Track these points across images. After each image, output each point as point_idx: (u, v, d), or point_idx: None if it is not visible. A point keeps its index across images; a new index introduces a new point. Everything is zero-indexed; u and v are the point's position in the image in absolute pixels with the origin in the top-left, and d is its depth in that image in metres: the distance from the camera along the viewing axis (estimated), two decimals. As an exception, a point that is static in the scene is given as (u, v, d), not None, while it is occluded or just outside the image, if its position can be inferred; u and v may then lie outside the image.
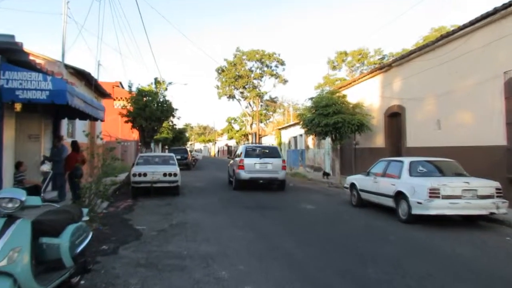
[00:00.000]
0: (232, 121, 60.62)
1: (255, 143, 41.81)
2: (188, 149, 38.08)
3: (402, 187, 7.82)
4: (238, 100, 51.76)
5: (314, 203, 10.55)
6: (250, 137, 49.26)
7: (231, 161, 14.60)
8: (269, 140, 39.00)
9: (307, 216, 8.48)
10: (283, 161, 12.84)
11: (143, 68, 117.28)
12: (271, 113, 54.03)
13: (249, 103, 51.23)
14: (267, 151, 13.15)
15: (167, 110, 15.78)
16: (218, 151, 77.04)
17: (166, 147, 37.49)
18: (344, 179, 13.41)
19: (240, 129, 56.38)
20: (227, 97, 49.11)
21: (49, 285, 3.44)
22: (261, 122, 54.15)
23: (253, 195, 12.31)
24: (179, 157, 23.15)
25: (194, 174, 21.76)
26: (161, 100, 15.89)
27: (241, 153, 13.14)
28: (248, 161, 12.49)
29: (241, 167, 12.55)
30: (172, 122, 31.17)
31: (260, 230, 6.91)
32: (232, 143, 66.20)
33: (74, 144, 9.05)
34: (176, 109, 16.92)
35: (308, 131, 16.05)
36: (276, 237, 6.45)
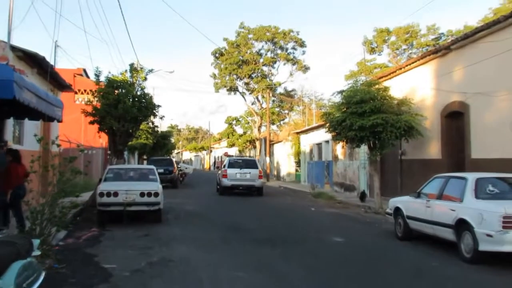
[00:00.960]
0: (234, 122, 60.89)
1: (265, 151, 42.20)
2: (174, 159, 38.40)
3: (465, 213, 7.61)
4: (242, 94, 52.03)
5: (344, 235, 10.57)
6: (257, 143, 49.44)
7: (219, 171, 24.21)
8: (283, 149, 39.15)
9: (334, 253, 8.35)
10: (260, 171, 22.58)
11: (116, 51, 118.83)
12: (286, 111, 54.22)
13: (257, 98, 51.48)
14: (247, 163, 22.99)
15: (146, 107, 15.94)
16: (215, 162, 77.40)
17: (145, 157, 37.79)
18: (386, 202, 13.37)
19: (245, 133, 56.58)
20: (227, 90, 49.32)
21: None
22: (273, 123, 54.19)
23: (264, 221, 12.48)
24: (161, 170, 23.40)
25: (183, 194, 21.84)
26: (138, 93, 16.13)
27: (225, 164, 23.01)
28: (230, 171, 22.02)
29: (225, 175, 21.99)
30: (153, 123, 31.72)
31: (273, 272, 6.76)
32: (233, 151, 67.46)
33: (14, 153, 8.87)
34: (159, 106, 17.12)
35: (336, 136, 16.18)
36: (294, 283, 6.24)
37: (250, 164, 23.02)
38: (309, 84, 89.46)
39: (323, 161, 28.01)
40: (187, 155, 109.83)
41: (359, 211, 15.98)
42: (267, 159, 39.16)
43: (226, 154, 66.49)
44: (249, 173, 22.20)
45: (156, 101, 19.19)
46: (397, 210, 10.30)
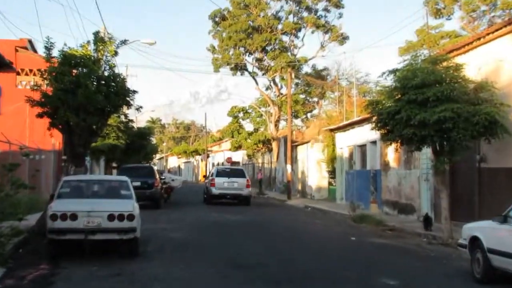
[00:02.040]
0: (241, 114, 61.14)
1: (285, 157, 42.30)
2: (156, 168, 38.32)
3: None
4: (253, 75, 52.38)
5: (399, 276, 10.56)
6: (274, 145, 50.00)
7: (206, 180, 32.56)
8: (311, 154, 39.22)
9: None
10: (247, 180, 30.94)
11: (75, 16, 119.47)
12: (315, 99, 54.33)
13: (273, 81, 51.86)
14: (235, 172, 31.75)
15: (117, 94, 16.05)
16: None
17: (115, 164, 38.01)
18: (458, 229, 13.41)
19: (256, 130, 56.74)
20: (231, 69, 49.81)
21: None
22: (296, 116, 54.31)
23: (281, 254, 12.49)
24: (138, 183, 23.88)
25: (168, 217, 22.07)
26: (106, 74, 16.27)
27: (213, 173, 31.83)
28: (218, 180, 30.39)
29: (213, 184, 30.33)
30: (126, 116, 31.89)
31: None
32: (239, 156, 66.77)
33: None
34: (134, 92, 17.25)
35: (387, 135, 16.29)
36: None
37: (238, 173, 31.80)
38: (348, 61, 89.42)
39: (368, 171, 27.99)
40: (174, 161, 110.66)
41: (419, 241, 15.97)
42: (288, 167, 39.19)
43: (229, 161, 66.80)
44: (237, 182, 30.64)
45: (130, 85, 19.33)
46: (475, 240, 10.33)
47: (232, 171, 32.20)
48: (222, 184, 30.24)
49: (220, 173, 31.17)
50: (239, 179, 30.71)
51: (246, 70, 50.00)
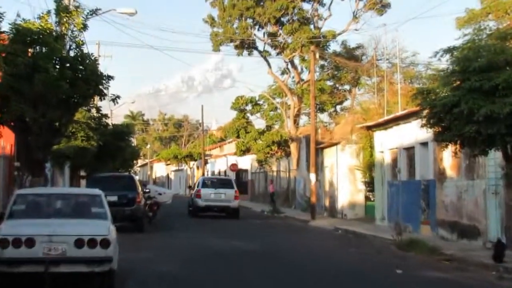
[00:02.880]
0: (248, 107, 61.03)
1: (307, 163, 42.32)
2: (138, 178, 38.24)
3: None
4: (264, 55, 52.27)
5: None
6: (292, 147, 50.13)
7: (192, 191, 39.43)
8: (341, 159, 39.17)
9: None
10: (236, 191, 37.43)
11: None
12: (346, 87, 54.07)
13: (291, 63, 51.62)
14: (222, 182, 39.26)
15: (87, 81, 16.14)
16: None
17: (84, 172, 38.05)
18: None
19: (269, 127, 56.56)
20: (236, 47, 50.16)
21: None
22: (322, 109, 53.97)
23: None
24: (114, 198, 24.45)
25: (153, 242, 22.22)
26: (71, 54, 16.41)
27: (198, 184, 38.48)
28: (204, 191, 36.68)
29: (199, 196, 36.50)
30: (98, 110, 31.95)
31: None
32: (246, 163, 68.68)
33: None
34: (109, 78, 17.36)
35: (443, 134, 16.42)
36: None
37: (226, 183, 38.28)
38: (389, 37, 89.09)
39: (417, 182, 27.99)
40: (161, 169, 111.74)
41: (487, 276, 15.94)
42: (312, 177, 39.14)
43: (234, 168, 66.82)
44: (224, 193, 36.68)
45: (104, 68, 19.34)
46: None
47: (219, 181, 39.71)
48: (209, 196, 36.42)
49: (206, 184, 37.68)
50: (227, 190, 36.92)
51: (256, 48, 49.97)
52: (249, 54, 50.48)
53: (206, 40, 53.40)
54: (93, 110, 29.85)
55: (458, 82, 15.50)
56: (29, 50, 15.93)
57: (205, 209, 36.10)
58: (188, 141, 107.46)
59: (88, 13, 17.38)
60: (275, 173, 57.51)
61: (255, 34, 48.72)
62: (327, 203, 42.53)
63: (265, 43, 49.21)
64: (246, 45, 49.00)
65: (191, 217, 35.94)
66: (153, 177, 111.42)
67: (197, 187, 37.53)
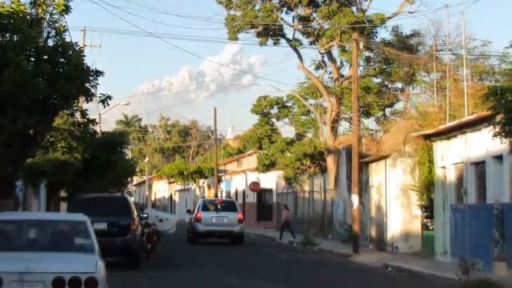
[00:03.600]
0: (273, 110, 60.84)
1: (349, 181, 42.21)
2: (132, 199, 38.16)
3: None
4: (294, 45, 52.56)
5: None
6: (329, 161, 50.37)
7: (191, 215, 44.20)
8: (391, 176, 38.96)
9: None
10: (240, 214, 42.31)
11: None
12: (398, 85, 53.76)
13: (328, 54, 51.94)
14: (224, 204, 43.99)
15: (69, 77, 16.12)
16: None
17: (65, 193, 38.02)
18: None
19: (300, 136, 56.34)
20: (259, 35, 50.74)
21: None
22: (368, 114, 53.52)
23: None
24: (104, 225, 24.93)
25: (153, 282, 22.26)
26: (50, 44, 16.68)
27: (198, 206, 43.06)
28: (205, 215, 41.18)
29: (198, 220, 41.16)
30: (84, 114, 31.95)
31: None
32: (270, 181, 69.35)
33: None
34: (98, 74, 17.44)
35: None
36: None
37: (228, 206, 41.98)
38: (453, 22, 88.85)
39: (489, 206, 27.80)
40: (163, 189, 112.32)
41: None
42: (354, 199, 39.02)
43: (255, 188, 66.79)
44: (227, 217, 40.39)
45: (91, 62, 19.36)
46: None
47: (221, 203, 43.42)
48: (210, 220, 40.46)
49: (207, 206, 41.92)
50: (230, 213, 40.95)
51: (283, 36, 50.05)
52: (274, 44, 50.51)
53: (220, 25, 52.87)
54: (77, 114, 29.83)
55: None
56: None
57: (205, 234, 40.37)
58: (197, 153, 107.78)
59: (71, -7, 17.39)
60: (307, 194, 57.45)
61: (282, 19, 48.95)
62: (373, 232, 42.35)
63: (295, 30, 49.32)
64: (271, 32, 49.04)
65: (192, 244, 39.23)
66: (153, 198, 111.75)
67: (197, 210, 41.28)
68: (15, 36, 15.90)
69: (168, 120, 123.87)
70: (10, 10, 16.05)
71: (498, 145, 22.05)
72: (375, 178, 42.10)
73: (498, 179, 27.00)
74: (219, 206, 41.43)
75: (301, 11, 48.13)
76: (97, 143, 35.18)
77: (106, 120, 70.92)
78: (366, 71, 51.00)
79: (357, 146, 40.08)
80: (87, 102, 18.19)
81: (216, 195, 72.63)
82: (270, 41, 50.04)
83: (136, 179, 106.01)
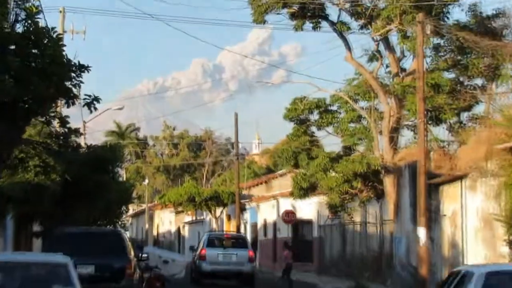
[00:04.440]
0: (313, 115, 60.80)
1: (414, 209, 41.98)
2: (127, 234, 38.18)
3: None
4: (339, 28, 51.87)
5: None
6: (387, 182, 49.62)
7: (195, 253, 49.61)
8: (469, 201, 38.76)
9: None
10: (250, 252, 46.68)
11: None
12: (477, 82, 53.45)
13: (384, 42, 51.91)
14: (233, 240, 48.78)
15: (45, 72, 16.20)
16: (255, 242, 77.69)
17: (38, 225, 38.09)
18: None
19: (348, 150, 56.16)
20: (292, 16, 50.75)
21: None
22: (438, 120, 53.04)
23: None
24: (90, 268, 25.12)
25: None
26: (19, 29, 16.94)
27: (203, 242, 47.88)
28: (210, 252, 45.56)
29: (203, 257, 45.44)
30: (63, 122, 32.20)
31: None
32: (309, 210, 69.33)
33: None
34: (83, 70, 17.55)
35: None
36: None
37: (237, 242, 45.56)
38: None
39: None
40: (168, 220, 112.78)
41: None
42: (421, 233, 38.96)
43: (288, 219, 66.81)
44: (236, 254, 43.60)
45: (73, 53, 19.41)
46: None
47: (229, 239, 46.58)
48: (216, 257, 43.82)
49: (213, 242, 45.30)
50: (239, 250, 44.41)
51: (325, 18, 50.04)
52: (314, 28, 50.39)
53: (243, 3, 52.75)
54: (55, 123, 29.95)
55: None
56: None
57: (211, 275, 43.41)
58: (213, 173, 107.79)
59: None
60: (358, 227, 57.35)
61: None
62: (445, 275, 42.22)
63: (340, 10, 49.25)
64: (309, 13, 49.05)
65: (195, 286, 42.26)
66: (155, 233, 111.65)
67: (201, 246, 44.44)
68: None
69: (174, 129, 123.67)
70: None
71: None
72: (448, 205, 42.00)
73: None
74: (227, 242, 44.08)
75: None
76: (82, 160, 35.25)
77: (93, 130, 71.12)
78: (435, 63, 50.71)
79: (424, 163, 39.99)
80: (68, 106, 18.24)
81: (238, 229, 72.32)
82: (308, 25, 49.99)
83: (132, 208, 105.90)
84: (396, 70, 49.75)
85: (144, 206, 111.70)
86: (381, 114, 50.27)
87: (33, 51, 16.38)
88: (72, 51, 34.67)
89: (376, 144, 51.04)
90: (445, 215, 42.21)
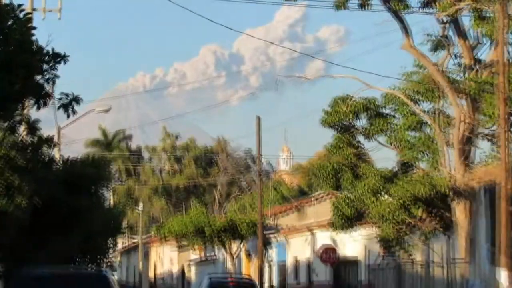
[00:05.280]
0: (359, 121, 60.96)
1: (492, 243, 41.99)
2: (115, 276, 38.30)
3: None
4: (394, 7, 51.40)
5: None
6: (457, 211, 48.21)
7: None
8: None
9: None
10: None
11: None
12: None
13: (452, 25, 51.09)
14: (238, 286, 51.75)
15: (9, 61, 16.40)
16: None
17: (0, 265, 38.29)
18: None
19: (406, 166, 55.95)
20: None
21: None
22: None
23: None
24: None
25: None
26: None
27: None
28: None
29: None
30: (32, 129, 32.49)
31: None
32: (356, 245, 68.83)
33: None
34: (59, 58, 17.79)
35: None
36: None
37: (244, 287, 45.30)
38: None
39: None
40: (168, 258, 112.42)
41: None
42: (502, 276, 39.03)
43: (327, 256, 67.18)
44: None
45: (45, 40, 19.57)
46: None
47: (234, 285, 47.85)
48: None
49: None
50: None
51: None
52: (362, 7, 50.61)
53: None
54: (22, 129, 30.15)
55: None
56: None
57: None
58: (228, 196, 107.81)
59: None
60: (419, 268, 57.42)
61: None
62: None
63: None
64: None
65: None
66: (151, 275, 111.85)
67: None
68: None
69: (177, 138, 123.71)
70: None
71: None
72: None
73: None
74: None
75: None
76: (56, 179, 35.42)
77: (71, 138, 71.21)
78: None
79: (505, 184, 40.03)
80: (39, 108, 18.43)
81: (260, 270, 72.63)
82: (353, 1, 50.24)
83: (122, 242, 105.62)
84: (470, 61, 49.84)
85: (137, 239, 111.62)
86: (449, 120, 50.35)
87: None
88: (45, 35, 35.11)
89: (443, 159, 51.06)
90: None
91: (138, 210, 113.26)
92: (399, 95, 54.86)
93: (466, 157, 49.24)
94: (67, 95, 20.00)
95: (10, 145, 30.67)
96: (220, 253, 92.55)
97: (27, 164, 31.83)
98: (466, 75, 49.66)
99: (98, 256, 46.79)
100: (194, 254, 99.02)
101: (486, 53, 48.46)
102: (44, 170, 33.45)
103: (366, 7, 50.04)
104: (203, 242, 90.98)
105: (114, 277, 32.30)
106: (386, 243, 56.21)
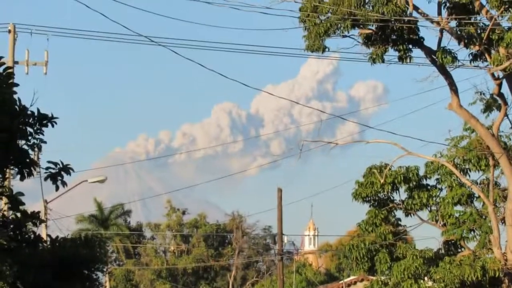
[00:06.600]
0: (398, 193, 61.01)
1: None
2: None
3: None
4: (440, 59, 51.25)
5: None
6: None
7: None
8: None
9: None
10: None
11: None
12: None
13: (508, 81, 50.59)
14: None
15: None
16: None
17: None
18: None
19: (455, 246, 55.84)
20: (366, 40, 50.21)
21: None
22: None
23: None
24: None
25: None
26: None
27: None
28: None
29: None
30: (17, 203, 32.53)
31: None
32: None
33: None
34: (46, 121, 17.89)
35: None
36: None
37: None
38: None
39: None
40: None
41: None
42: None
43: None
44: None
45: (29, 99, 19.67)
46: None
47: None
48: None
49: None
50: None
51: (417, 42, 50.35)
52: (401, 59, 50.64)
53: (287, 22, 52.79)
54: (2, 203, 30.19)
55: None
56: None
57: None
58: (244, 281, 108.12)
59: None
60: None
61: (417, 9, 49.21)
62: None
63: (442, 31, 49.47)
64: (393, 36, 49.37)
65: None
66: None
67: None
68: None
69: (184, 213, 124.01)
70: None
71: None
72: None
73: None
74: None
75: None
76: (42, 261, 35.44)
77: (60, 212, 71.51)
78: None
79: None
80: (22, 178, 18.41)
81: None
82: (391, 54, 50.23)
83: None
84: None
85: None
86: (504, 192, 50.33)
87: None
88: (29, 92, 35.26)
89: (496, 238, 51.00)
90: None
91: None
92: (444, 164, 54.89)
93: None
94: (55, 163, 20.03)
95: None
96: None
97: (9, 243, 31.79)
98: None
99: None
100: None
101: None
102: (29, 251, 33.48)
103: (407, 60, 49.99)
104: None
105: None
106: None
